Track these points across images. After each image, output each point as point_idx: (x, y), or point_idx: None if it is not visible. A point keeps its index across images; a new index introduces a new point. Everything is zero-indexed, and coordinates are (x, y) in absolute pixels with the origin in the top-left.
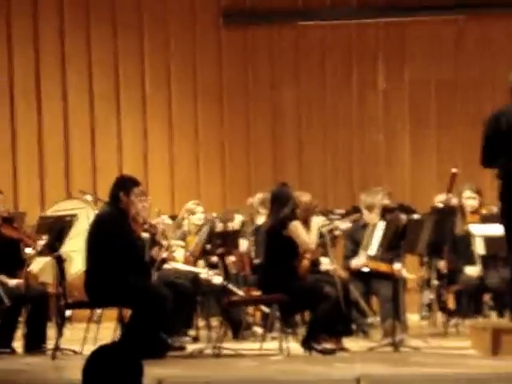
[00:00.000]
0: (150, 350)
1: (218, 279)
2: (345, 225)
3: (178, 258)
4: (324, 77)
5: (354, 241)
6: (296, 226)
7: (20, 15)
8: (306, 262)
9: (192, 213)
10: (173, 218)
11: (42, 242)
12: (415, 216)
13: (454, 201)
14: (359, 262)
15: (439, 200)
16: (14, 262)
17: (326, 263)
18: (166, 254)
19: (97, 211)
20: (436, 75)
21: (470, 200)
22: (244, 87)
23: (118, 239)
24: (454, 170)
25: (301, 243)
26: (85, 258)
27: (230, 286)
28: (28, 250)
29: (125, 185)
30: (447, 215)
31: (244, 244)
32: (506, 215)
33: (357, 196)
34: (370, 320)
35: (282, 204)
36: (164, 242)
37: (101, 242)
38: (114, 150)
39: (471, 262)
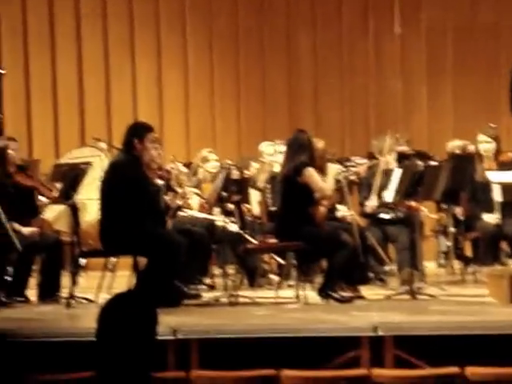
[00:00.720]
0: (164, 299)
1: (233, 227)
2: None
3: (192, 206)
4: (340, 24)
5: (369, 186)
6: (311, 173)
7: None
8: (322, 209)
9: (206, 160)
10: (187, 165)
11: (57, 191)
12: (432, 162)
13: (471, 147)
14: (371, 204)
15: (453, 145)
16: (29, 211)
17: (342, 210)
18: (180, 201)
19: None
20: (453, 21)
21: (484, 144)
22: (260, 36)
23: (132, 186)
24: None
25: (316, 190)
26: (99, 206)
27: (245, 234)
28: (42, 199)
29: (138, 131)
30: (465, 162)
31: (255, 194)
32: None
33: (373, 145)
34: (387, 268)
35: (297, 150)
36: (179, 189)
37: (115, 190)
38: (129, 95)
39: (490, 209)
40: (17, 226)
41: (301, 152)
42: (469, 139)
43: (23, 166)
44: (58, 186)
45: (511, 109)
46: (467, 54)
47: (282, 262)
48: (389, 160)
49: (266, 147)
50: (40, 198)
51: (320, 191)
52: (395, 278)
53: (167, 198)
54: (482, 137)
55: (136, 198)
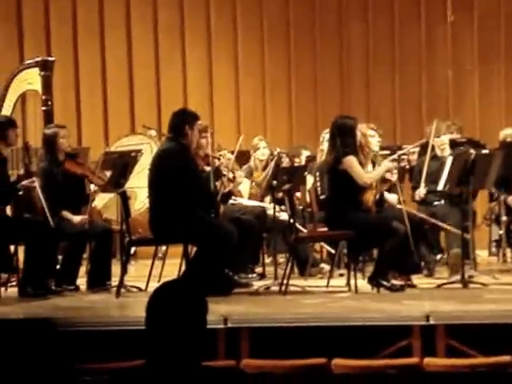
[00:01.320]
0: (215, 287)
1: (284, 215)
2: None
3: (243, 193)
4: (392, 12)
5: (420, 173)
6: (350, 161)
7: None
8: (369, 196)
9: (256, 148)
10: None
11: (106, 179)
12: (484, 151)
13: None
14: (420, 192)
15: (505, 134)
16: (78, 199)
17: (391, 198)
18: (231, 186)
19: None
20: (506, 7)
21: None
22: (311, 23)
23: (181, 174)
24: None
25: (356, 178)
26: (148, 194)
27: (295, 223)
28: (92, 186)
29: (188, 118)
30: None
31: (310, 180)
32: None
33: (426, 133)
34: (438, 257)
35: (338, 137)
36: (229, 174)
37: (165, 178)
38: (179, 83)
39: None
40: (67, 214)
41: (342, 138)
42: None
43: (73, 154)
44: (108, 174)
45: None
46: None
47: (332, 251)
48: (438, 144)
49: (326, 135)
50: (90, 186)
51: (358, 179)
52: (446, 267)
53: (217, 183)
54: None
55: (186, 186)
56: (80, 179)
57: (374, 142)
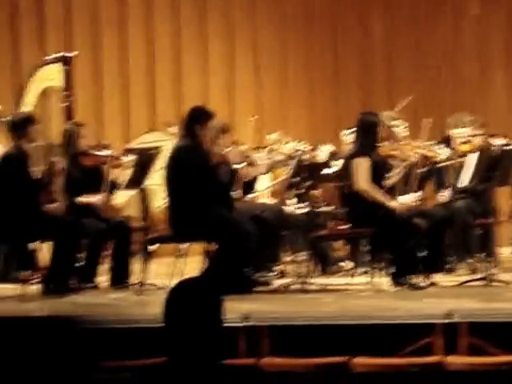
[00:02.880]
0: (235, 285)
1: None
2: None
3: (262, 189)
4: (417, 5)
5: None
6: (357, 163)
7: None
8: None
9: (285, 142)
10: (258, 149)
11: (127, 158)
12: (509, 147)
13: None
14: (445, 194)
15: None
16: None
17: (407, 200)
18: (253, 172)
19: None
20: None
21: None
22: (333, 20)
23: (198, 172)
24: None
25: (356, 179)
26: (166, 192)
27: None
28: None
29: (200, 117)
30: None
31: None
32: None
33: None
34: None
35: (361, 134)
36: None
37: (182, 176)
38: (200, 79)
39: None
40: (83, 198)
41: (363, 135)
42: None
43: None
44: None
45: None
46: None
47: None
48: (457, 136)
49: (346, 134)
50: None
51: (358, 181)
52: (468, 264)
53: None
54: None
55: (203, 184)
56: (97, 170)
57: (400, 130)
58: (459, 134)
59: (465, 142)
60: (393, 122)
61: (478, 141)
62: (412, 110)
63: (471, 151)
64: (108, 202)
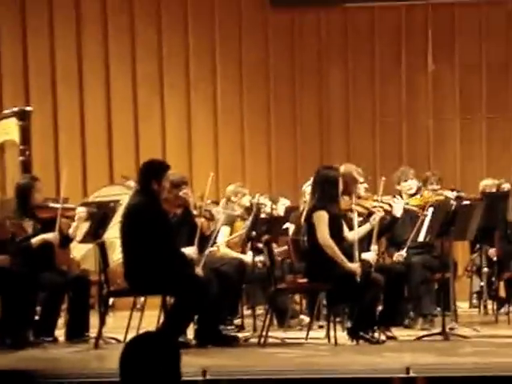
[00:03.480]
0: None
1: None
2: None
3: (220, 243)
4: (373, 60)
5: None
6: (318, 217)
7: None
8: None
9: (242, 194)
10: (216, 203)
11: (81, 209)
12: (465, 202)
13: (507, 186)
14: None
15: (486, 184)
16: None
17: (369, 257)
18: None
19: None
20: (487, 57)
21: None
22: (290, 71)
23: (154, 228)
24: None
25: (318, 234)
26: (121, 248)
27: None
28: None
29: (154, 172)
30: (498, 200)
31: (291, 229)
32: None
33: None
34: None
35: (319, 188)
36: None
37: (137, 232)
38: (158, 133)
39: None
40: (38, 237)
41: (323, 190)
42: (502, 178)
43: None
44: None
45: None
46: (501, 90)
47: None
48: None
49: (307, 187)
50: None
51: (320, 237)
52: (425, 319)
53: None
54: None
55: (159, 239)
56: (52, 222)
57: (362, 187)
58: (405, 186)
59: (413, 195)
60: (358, 177)
61: (429, 195)
62: (369, 163)
63: (423, 205)
64: (67, 255)
